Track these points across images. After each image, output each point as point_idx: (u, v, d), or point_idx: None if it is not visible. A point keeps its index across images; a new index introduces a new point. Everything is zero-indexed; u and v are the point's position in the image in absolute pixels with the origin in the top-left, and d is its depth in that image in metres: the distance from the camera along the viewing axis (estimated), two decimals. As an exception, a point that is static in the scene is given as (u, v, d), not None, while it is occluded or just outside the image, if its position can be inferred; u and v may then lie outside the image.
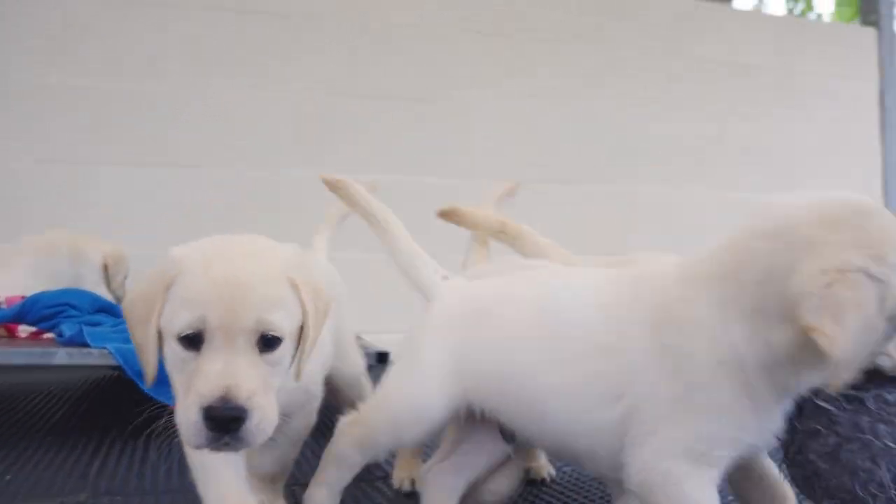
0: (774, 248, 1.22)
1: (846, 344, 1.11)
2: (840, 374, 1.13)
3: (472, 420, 1.62)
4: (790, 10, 11.14)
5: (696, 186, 5.55)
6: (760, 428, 1.27)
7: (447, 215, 2.11)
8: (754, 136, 5.76)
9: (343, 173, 1.86)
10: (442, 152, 5.00)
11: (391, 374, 1.68)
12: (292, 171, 4.59)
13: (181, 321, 1.32)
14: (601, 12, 5.48)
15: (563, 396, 1.41)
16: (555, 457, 2.03)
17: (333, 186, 1.87)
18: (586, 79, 5.37)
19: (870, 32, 6.21)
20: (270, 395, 1.36)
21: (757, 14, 8.33)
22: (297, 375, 1.47)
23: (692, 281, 1.33)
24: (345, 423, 1.69)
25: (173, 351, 1.36)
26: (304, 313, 1.45)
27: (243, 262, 1.38)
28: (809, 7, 10.34)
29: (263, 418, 1.32)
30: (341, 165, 4.06)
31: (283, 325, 1.39)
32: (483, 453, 1.73)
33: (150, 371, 1.39)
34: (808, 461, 1.35)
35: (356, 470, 1.69)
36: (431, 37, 5.06)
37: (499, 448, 1.73)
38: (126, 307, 1.44)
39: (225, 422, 1.28)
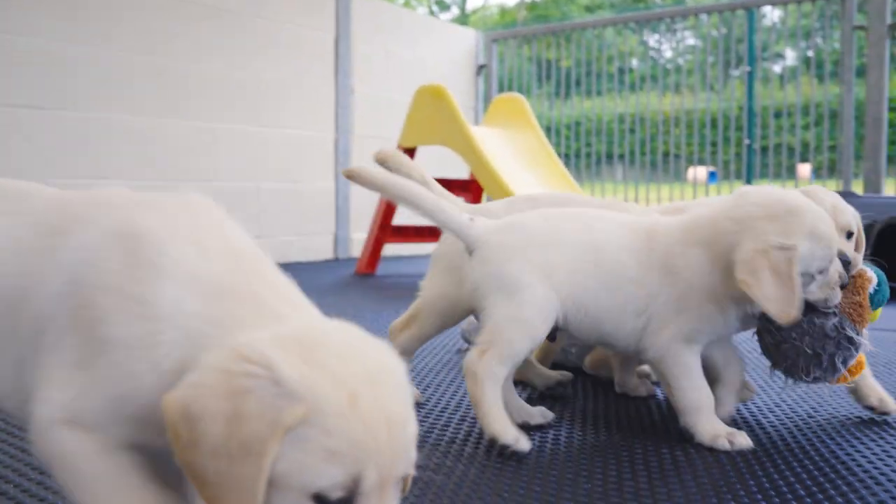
0: (734, 230, 1.98)
1: (759, 290, 1.90)
2: (769, 307, 1.91)
3: None
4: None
5: (171, 117, 6.11)
6: (724, 324, 2.05)
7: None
8: (225, 74, 6.44)
9: None
10: None
11: (499, 306, 2.01)
12: None
13: (327, 480, 0.94)
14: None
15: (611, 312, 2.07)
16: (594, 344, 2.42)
17: (351, 175, 2.11)
18: (65, 17, 5.52)
19: (328, -12, 7.31)
20: None
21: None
22: None
23: (691, 240, 2.04)
24: (478, 352, 2.00)
25: None
26: None
27: (387, 386, 1.01)
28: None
29: None
30: None
31: None
32: None
33: None
34: (772, 346, 2.12)
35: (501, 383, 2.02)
36: None
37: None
38: (185, 419, 0.95)
39: None
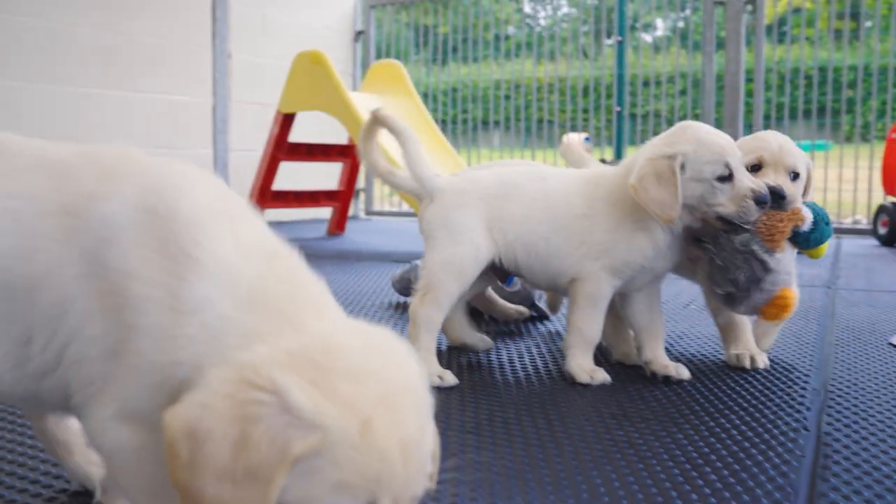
0: (639, 152, 2.27)
1: (644, 193, 2.14)
2: (651, 209, 2.15)
3: None
4: None
5: (40, 82, 5.95)
6: (655, 254, 2.26)
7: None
8: (98, 36, 6.31)
9: None
10: None
11: (438, 246, 2.32)
12: None
13: None
14: None
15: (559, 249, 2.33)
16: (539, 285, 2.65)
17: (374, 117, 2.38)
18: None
19: (204, -50, 7.24)
20: None
21: None
22: None
23: (623, 172, 2.28)
24: (419, 297, 2.31)
25: None
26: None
27: (403, 405, 0.97)
28: None
29: None
30: None
31: None
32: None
33: None
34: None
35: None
36: None
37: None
38: (189, 438, 0.92)
39: None
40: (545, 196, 2.35)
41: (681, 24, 8.72)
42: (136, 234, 1.06)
